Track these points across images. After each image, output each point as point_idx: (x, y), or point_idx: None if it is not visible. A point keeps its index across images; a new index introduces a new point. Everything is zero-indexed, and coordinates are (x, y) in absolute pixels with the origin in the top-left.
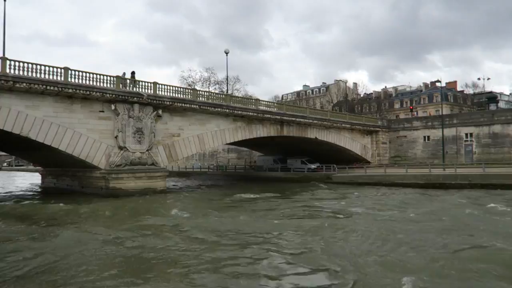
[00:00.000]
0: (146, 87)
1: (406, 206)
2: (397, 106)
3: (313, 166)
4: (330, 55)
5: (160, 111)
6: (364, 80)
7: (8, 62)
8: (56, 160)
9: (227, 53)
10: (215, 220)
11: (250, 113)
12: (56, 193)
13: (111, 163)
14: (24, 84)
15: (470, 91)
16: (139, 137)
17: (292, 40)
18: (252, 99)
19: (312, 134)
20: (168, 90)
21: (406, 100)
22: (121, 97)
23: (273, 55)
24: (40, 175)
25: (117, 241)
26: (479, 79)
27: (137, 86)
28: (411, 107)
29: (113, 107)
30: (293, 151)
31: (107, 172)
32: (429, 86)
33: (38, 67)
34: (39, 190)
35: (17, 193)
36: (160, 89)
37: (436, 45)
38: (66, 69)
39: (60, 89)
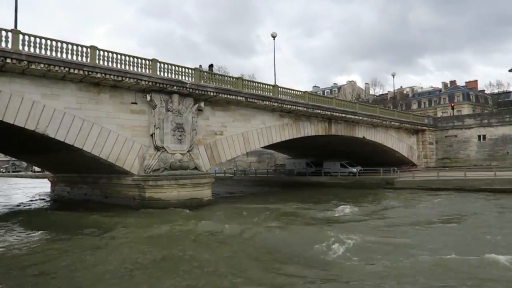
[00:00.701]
0: (185, 74)
1: None
2: (414, 106)
3: (354, 170)
4: (322, 60)
5: (202, 104)
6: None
7: (21, 36)
8: (73, 164)
9: (274, 37)
10: None
11: (300, 108)
12: (73, 204)
13: (146, 167)
14: (42, 66)
15: (494, 90)
16: (180, 135)
17: (284, 45)
18: (300, 91)
19: (360, 133)
20: (211, 79)
21: (424, 101)
22: (159, 85)
23: (265, 60)
24: (49, 182)
25: None
26: None
27: (214, 79)
28: (452, 105)
29: (148, 97)
30: (325, 153)
31: (142, 179)
32: (449, 85)
33: (59, 45)
34: (51, 200)
35: (27, 205)
36: (202, 77)
37: (427, 49)
38: (94, 48)
39: (86, 73)
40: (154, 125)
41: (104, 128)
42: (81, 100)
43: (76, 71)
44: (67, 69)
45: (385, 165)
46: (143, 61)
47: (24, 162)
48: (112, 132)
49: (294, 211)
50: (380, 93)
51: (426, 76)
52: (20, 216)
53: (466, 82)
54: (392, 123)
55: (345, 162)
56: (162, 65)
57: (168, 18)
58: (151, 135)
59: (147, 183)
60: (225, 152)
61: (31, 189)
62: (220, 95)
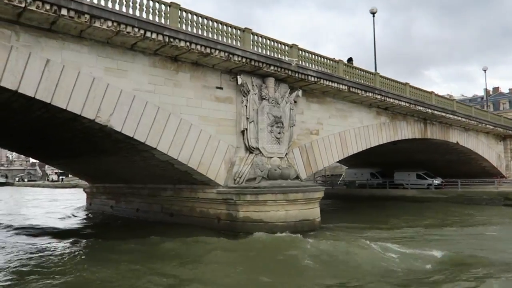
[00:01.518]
0: (280, 51)
1: None
2: None
3: (436, 182)
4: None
5: (299, 93)
6: None
7: None
8: (128, 170)
9: (374, 13)
10: None
11: (403, 103)
12: (126, 223)
13: (235, 175)
14: (110, 24)
15: None
16: (278, 132)
17: None
18: (401, 83)
19: (453, 137)
20: (312, 61)
21: None
22: (254, 63)
23: None
24: (85, 193)
25: None
26: None
27: (312, 61)
28: None
29: (239, 80)
30: (391, 162)
31: (236, 192)
32: (491, 92)
33: None
34: (90, 216)
35: (65, 223)
36: (302, 58)
37: (432, 62)
38: (175, 7)
39: (167, 39)
40: (247, 118)
41: (183, 120)
42: (155, 80)
43: (154, 36)
44: (142, 31)
45: (465, 176)
46: (234, 30)
47: (39, 171)
48: (193, 127)
49: None
50: None
51: (434, 88)
52: (78, 242)
53: (510, 89)
54: (487, 125)
55: (422, 173)
56: (255, 37)
57: None
58: (242, 132)
59: (243, 198)
60: (321, 158)
61: (56, 202)
62: (322, 81)
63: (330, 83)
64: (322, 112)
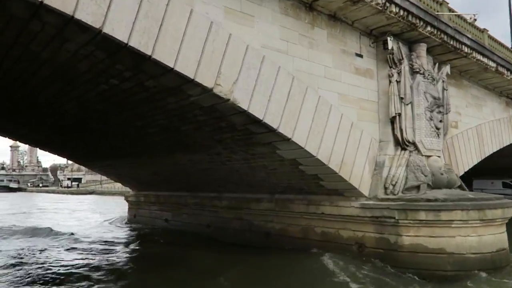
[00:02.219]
0: (424, 4)
1: None
2: None
3: None
4: None
5: (449, 69)
6: None
7: None
8: (206, 172)
9: None
10: None
11: None
12: (210, 246)
13: (387, 181)
14: None
15: None
16: (440, 121)
17: None
18: None
19: None
20: (460, 27)
21: None
22: (412, 19)
23: None
24: (127, 203)
25: None
26: None
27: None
28: None
29: (390, 44)
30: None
31: (398, 207)
32: None
33: None
34: (141, 233)
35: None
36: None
37: None
38: None
39: None
40: (401, 98)
41: (322, 98)
42: (287, 35)
43: None
44: None
45: None
46: None
47: (51, 176)
48: (333, 109)
49: None
50: None
51: None
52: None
53: None
54: None
55: (509, 181)
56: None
57: None
58: (391, 119)
59: (413, 216)
60: (462, 159)
61: (82, 212)
62: (474, 54)
63: (481, 58)
64: (459, 98)
